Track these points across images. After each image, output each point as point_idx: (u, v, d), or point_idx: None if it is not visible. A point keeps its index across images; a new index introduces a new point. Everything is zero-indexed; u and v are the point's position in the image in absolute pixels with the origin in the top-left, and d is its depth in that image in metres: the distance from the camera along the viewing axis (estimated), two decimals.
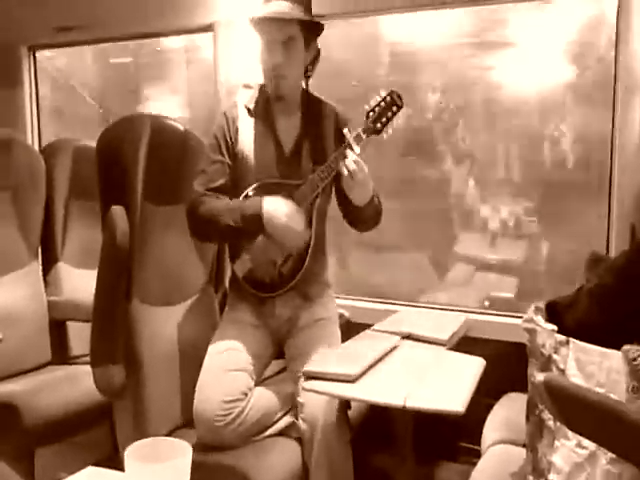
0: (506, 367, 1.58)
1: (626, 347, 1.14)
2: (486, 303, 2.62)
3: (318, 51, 1.79)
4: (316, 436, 1.59)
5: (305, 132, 1.80)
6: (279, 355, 1.87)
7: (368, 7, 2.22)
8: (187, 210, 1.73)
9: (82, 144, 2.48)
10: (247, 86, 1.89)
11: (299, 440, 1.67)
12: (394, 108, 1.64)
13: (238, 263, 1.79)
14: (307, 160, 1.77)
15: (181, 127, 1.88)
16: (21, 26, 2.82)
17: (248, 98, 1.82)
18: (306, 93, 1.86)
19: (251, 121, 1.79)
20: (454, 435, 2.05)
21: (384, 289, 2.56)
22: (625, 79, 1.86)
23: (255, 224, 1.66)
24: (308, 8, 1.73)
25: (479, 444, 1.67)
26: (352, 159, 1.60)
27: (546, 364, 1.22)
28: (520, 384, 1.35)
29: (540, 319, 1.27)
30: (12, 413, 1.90)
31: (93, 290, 1.68)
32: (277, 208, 1.65)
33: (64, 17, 2.73)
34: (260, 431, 1.67)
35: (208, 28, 2.43)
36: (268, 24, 1.68)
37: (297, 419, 1.69)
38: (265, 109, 1.80)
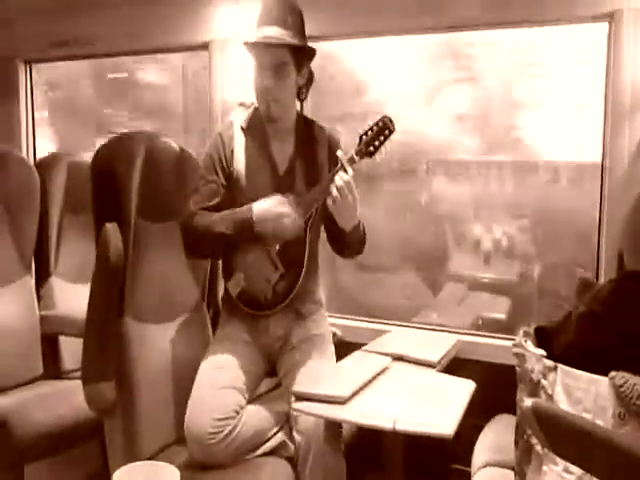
0: (497, 389, 1.58)
1: (613, 373, 1.15)
2: (480, 322, 2.63)
3: (311, 74, 1.83)
4: (312, 449, 1.59)
5: (299, 154, 1.82)
6: (271, 373, 1.87)
7: (359, 29, 2.25)
8: (181, 227, 1.75)
9: (77, 159, 2.49)
10: (243, 104, 1.91)
11: (289, 460, 1.67)
12: (386, 132, 1.68)
13: (232, 282, 1.79)
14: (301, 181, 1.79)
15: (176, 146, 1.89)
16: (17, 40, 2.83)
17: (243, 118, 1.84)
18: (300, 116, 1.89)
19: (246, 141, 1.81)
20: (445, 457, 2.05)
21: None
22: (614, 108, 1.88)
23: (247, 229, 1.67)
24: (300, 32, 1.75)
25: (470, 466, 1.68)
26: (344, 179, 1.62)
27: (534, 389, 1.23)
28: (511, 406, 1.36)
29: (529, 344, 1.29)
30: (2, 428, 1.89)
31: (86, 305, 1.68)
32: (265, 206, 1.67)
33: (61, 32, 2.74)
34: (251, 449, 1.67)
35: (204, 46, 2.46)
36: (259, 49, 1.72)
37: (289, 438, 1.70)
38: (260, 130, 1.82)
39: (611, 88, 1.90)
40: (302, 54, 1.75)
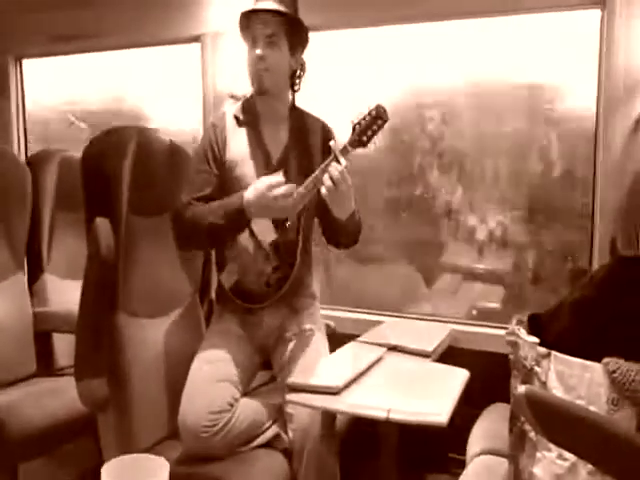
0: (492, 377, 1.58)
1: (606, 359, 1.15)
2: (474, 312, 2.62)
3: (304, 64, 1.84)
4: (306, 446, 1.59)
5: (292, 144, 1.82)
6: (266, 366, 1.87)
7: (356, 21, 2.25)
8: (172, 218, 1.74)
9: (68, 154, 2.47)
10: (234, 96, 1.91)
11: (285, 452, 1.67)
12: (379, 121, 1.66)
13: (225, 274, 1.79)
14: (294, 171, 1.78)
15: (167, 139, 1.89)
16: (7, 36, 2.82)
17: (236, 109, 1.84)
18: (293, 106, 1.89)
19: (239, 131, 1.81)
20: (441, 446, 2.05)
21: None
22: (607, 95, 1.88)
23: (238, 217, 1.66)
24: (294, 11, 1.78)
25: (465, 454, 1.68)
26: (338, 169, 1.61)
27: (528, 376, 1.22)
28: (505, 394, 1.35)
29: (522, 332, 1.28)
30: None
31: (78, 301, 1.67)
32: (253, 190, 1.64)
33: (51, 28, 2.73)
34: (246, 442, 1.66)
35: (196, 39, 2.45)
36: (254, 19, 1.74)
37: (284, 430, 1.70)
38: (253, 120, 1.82)
39: (604, 74, 1.89)
40: (295, 31, 1.77)
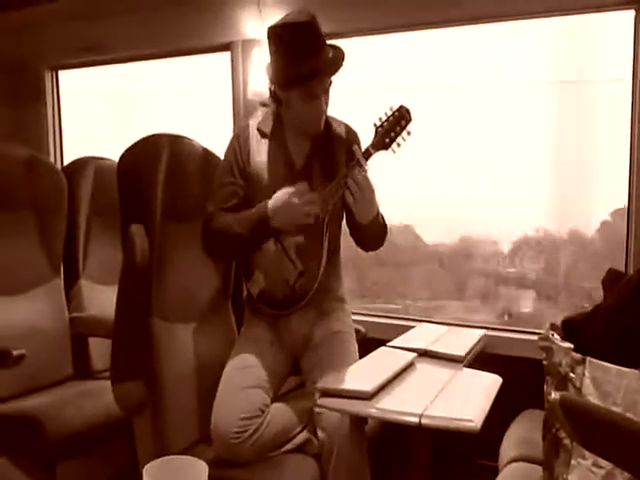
0: (524, 383, 1.57)
1: None
2: (506, 317, 2.60)
3: None
4: (335, 444, 1.59)
5: (316, 150, 1.82)
6: (296, 371, 1.88)
7: (365, 27, 2.25)
8: (201, 229, 1.78)
9: (104, 162, 2.52)
10: (265, 104, 1.93)
11: (316, 456, 1.67)
12: (402, 123, 1.65)
13: (252, 282, 1.81)
14: (318, 177, 1.78)
15: (200, 146, 1.91)
16: (43, 47, 2.89)
17: (260, 119, 1.85)
18: None
19: (263, 142, 1.81)
20: (472, 452, 2.03)
21: None
22: None
23: (263, 227, 1.69)
24: (325, 40, 1.73)
25: (497, 461, 1.66)
26: (360, 174, 1.61)
27: (562, 382, 1.21)
28: (538, 401, 1.34)
29: (556, 337, 1.27)
30: (35, 427, 1.92)
31: (114, 307, 1.71)
32: (277, 198, 1.68)
33: (85, 38, 2.79)
34: (277, 447, 1.67)
35: (226, 47, 2.48)
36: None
37: (314, 435, 1.70)
38: (277, 129, 1.83)
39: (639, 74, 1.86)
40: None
